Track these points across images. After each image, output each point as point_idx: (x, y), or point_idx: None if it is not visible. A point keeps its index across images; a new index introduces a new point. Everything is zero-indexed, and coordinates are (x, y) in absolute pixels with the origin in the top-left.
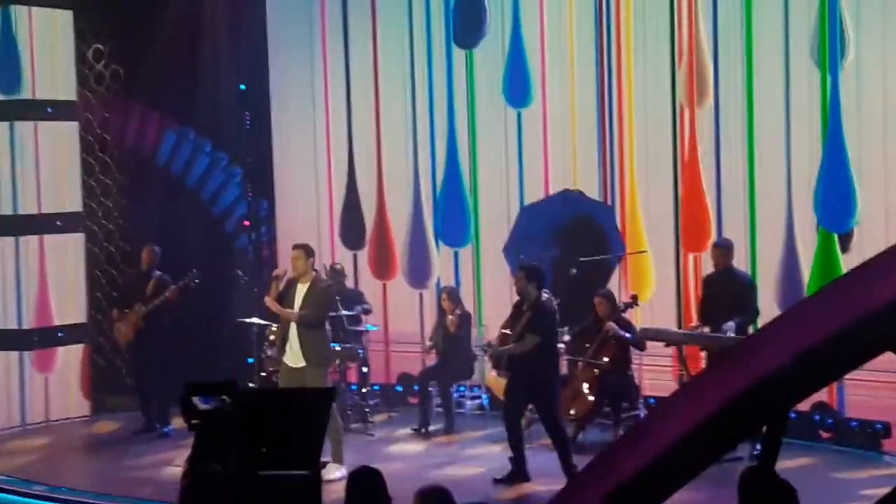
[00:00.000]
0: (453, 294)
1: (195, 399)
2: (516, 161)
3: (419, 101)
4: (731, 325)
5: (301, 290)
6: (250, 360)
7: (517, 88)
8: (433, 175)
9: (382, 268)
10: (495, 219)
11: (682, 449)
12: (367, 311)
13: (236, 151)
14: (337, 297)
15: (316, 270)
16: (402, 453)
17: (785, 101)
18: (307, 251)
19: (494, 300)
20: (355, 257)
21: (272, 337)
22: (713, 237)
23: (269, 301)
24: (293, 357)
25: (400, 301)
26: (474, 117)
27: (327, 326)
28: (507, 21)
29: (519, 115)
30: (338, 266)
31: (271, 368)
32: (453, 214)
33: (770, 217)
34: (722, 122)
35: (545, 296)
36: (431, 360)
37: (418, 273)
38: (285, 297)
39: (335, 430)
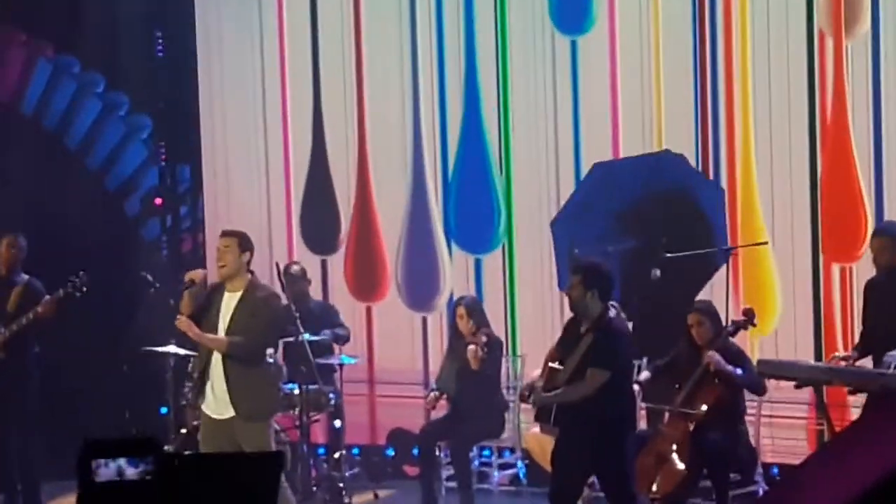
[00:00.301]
0: (475, 309)
1: (98, 464)
2: (570, 117)
3: (422, 28)
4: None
5: (230, 300)
6: (164, 410)
7: (571, 5)
8: (443, 142)
9: (365, 283)
10: (537, 209)
11: None
12: (342, 339)
13: (143, 93)
14: (294, 314)
15: (252, 272)
16: None
17: None
18: (241, 242)
19: (534, 320)
20: (324, 265)
21: (196, 374)
22: (870, 230)
23: (182, 322)
24: (217, 404)
25: (392, 324)
26: (505, 51)
27: (274, 359)
28: None
29: (573, 47)
30: (296, 268)
31: (196, 422)
32: (473, 204)
33: None
34: (884, 60)
35: (612, 311)
36: (440, 410)
37: (420, 289)
38: (205, 314)
39: None
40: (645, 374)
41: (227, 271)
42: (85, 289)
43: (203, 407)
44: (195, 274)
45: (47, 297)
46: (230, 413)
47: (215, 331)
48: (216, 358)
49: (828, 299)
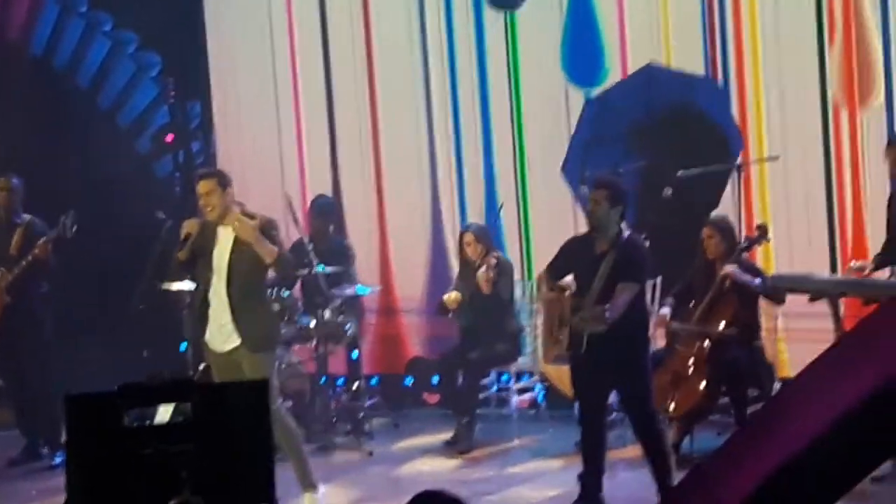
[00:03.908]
0: (482, 235)
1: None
2: None
3: (436, 97)
4: None
5: (226, 236)
6: (183, 346)
7: (583, 57)
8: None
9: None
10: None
11: (822, 456)
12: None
13: (151, 30)
14: (308, 245)
15: (241, 203)
16: (416, 477)
17: None
18: (220, 180)
19: (549, 243)
20: None
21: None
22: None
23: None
24: (220, 335)
25: (408, 254)
26: (520, 106)
27: (290, 292)
28: None
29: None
30: (326, 198)
31: None
32: None
33: None
34: None
35: (627, 232)
36: (454, 338)
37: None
38: (201, 253)
39: (290, 440)
40: (665, 311)
41: (216, 213)
42: (75, 228)
43: (206, 339)
44: (190, 225)
45: (41, 240)
46: (232, 344)
47: (212, 269)
48: (214, 290)
49: (840, 200)
